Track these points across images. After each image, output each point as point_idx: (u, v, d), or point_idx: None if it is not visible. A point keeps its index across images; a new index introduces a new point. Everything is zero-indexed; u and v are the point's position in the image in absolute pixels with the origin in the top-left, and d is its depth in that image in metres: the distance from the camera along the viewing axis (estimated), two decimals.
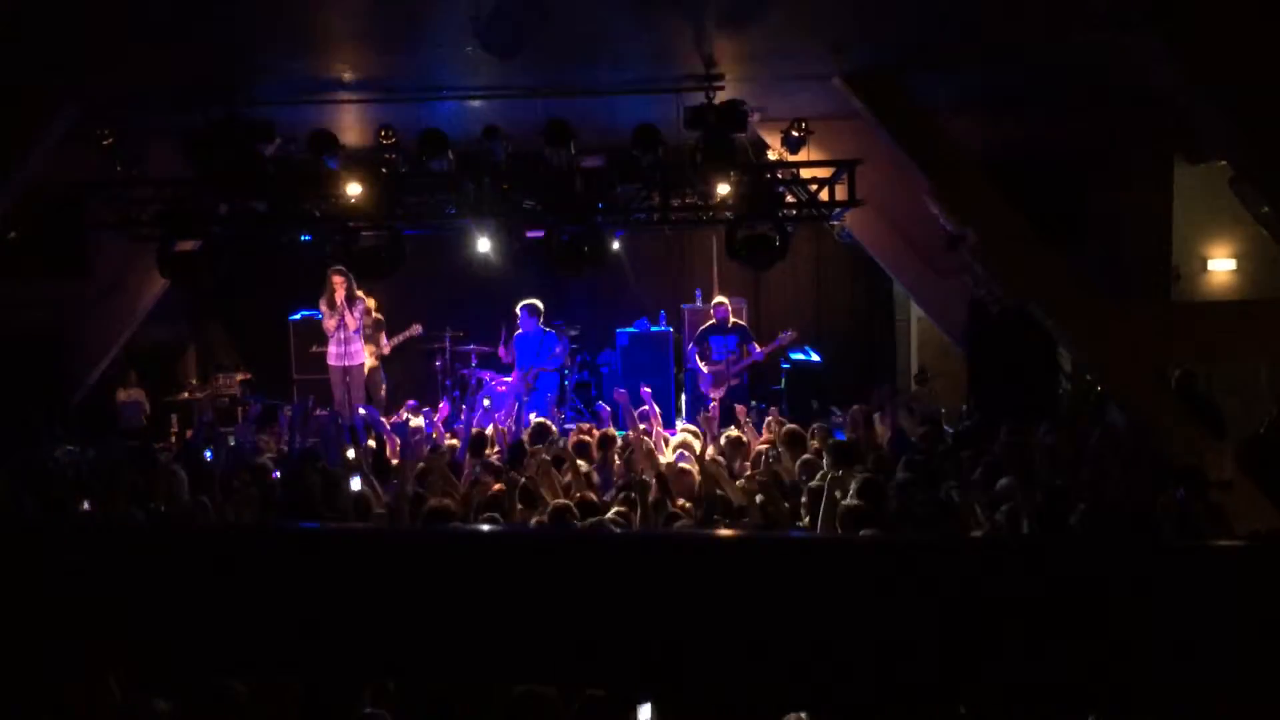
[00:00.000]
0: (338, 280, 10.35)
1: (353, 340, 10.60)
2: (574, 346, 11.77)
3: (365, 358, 10.83)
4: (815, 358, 11.80)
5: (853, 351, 12.85)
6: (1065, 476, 6.09)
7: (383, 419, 9.39)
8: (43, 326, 9.84)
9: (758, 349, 10.86)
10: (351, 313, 10.46)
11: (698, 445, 7.52)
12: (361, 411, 9.53)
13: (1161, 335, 7.72)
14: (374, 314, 11.10)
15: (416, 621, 1.80)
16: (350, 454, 6.96)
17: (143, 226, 8.64)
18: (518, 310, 10.84)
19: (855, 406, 8.12)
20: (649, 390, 9.21)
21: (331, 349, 10.65)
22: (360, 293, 10.61)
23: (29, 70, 7.27)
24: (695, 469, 6.61)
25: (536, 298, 11.02)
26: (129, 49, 6.96)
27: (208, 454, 7.47)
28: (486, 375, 11.51)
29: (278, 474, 6.82)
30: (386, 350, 11.10)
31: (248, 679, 3.20)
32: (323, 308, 10.62)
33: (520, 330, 10.93)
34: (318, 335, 11.55)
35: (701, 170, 8.30)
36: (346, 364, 10.60)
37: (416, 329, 11.24)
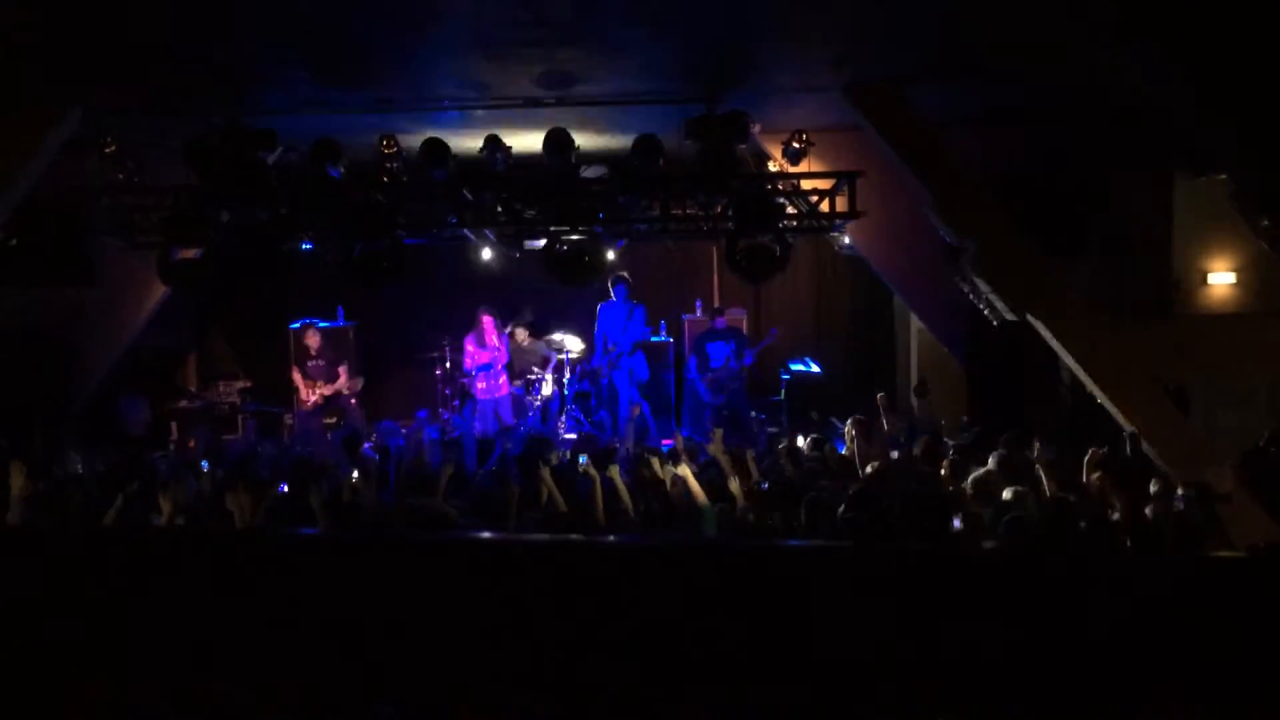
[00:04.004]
0: (487, 320, 10.94)
1: (501, 374, 11.17)
2: (570, 357, 11.80)
3: (510, 387, 11.35)
4: (815, 368, 11.81)
5: (853, 362, 12.87)
6: (1066, 488, 6.08)
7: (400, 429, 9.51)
8: (45, 333, 9.84)
9: (748, 353, 10.96)
10: (501, 348, 11.05)
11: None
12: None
13: (1161, 348, 7.73)
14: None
15: (418, 626, 1.80)
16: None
17: (144, 234, 8.64)
18: (610, 284, 11.13)
19: (853, 418, 8.12)
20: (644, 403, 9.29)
21: (480, 384, 11.10)
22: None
23: (33, 79, 7.29)
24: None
25: (534, 302, 11.27)
26: (133, 59, 6.98)
27: (204, 464, 7.49)
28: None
29: (284, 488, 6.84)
30: (329, 391, 11.27)
31: (248, 680, 3.20)
32: (470, 346, 11.06)
33: (609, 301, 11.19)
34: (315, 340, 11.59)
35: (702, 181, 8.30)
36: (496, 395, 11.12)
37: (357, 383, 11.52)
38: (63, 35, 6.37)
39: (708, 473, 6.67)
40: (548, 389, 11.54)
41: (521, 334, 11.75)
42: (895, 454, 7.57)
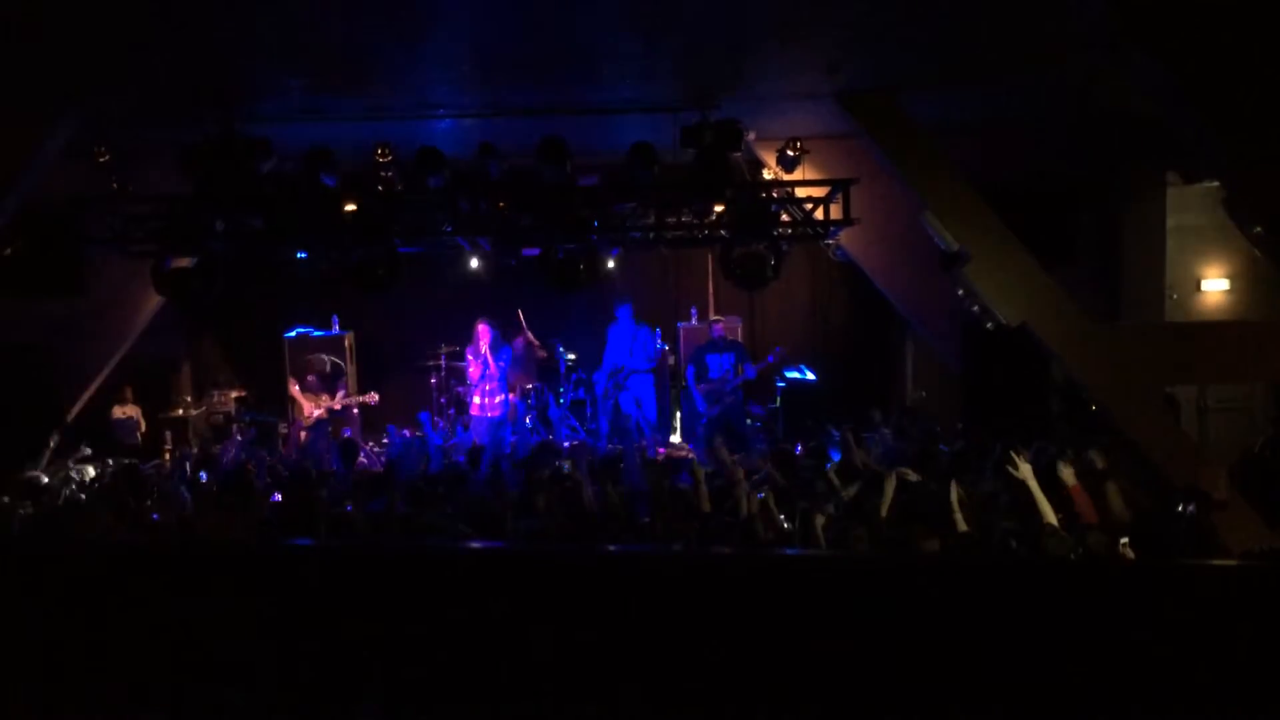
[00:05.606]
0: (482, 329, 10.49)
1: (496, 391, 10.55)
2: (567, 364, 11.77)
3: (505, 409, 10.61)
4: (811, 376, 11.80)
5: (848, 370, 12.86)
6: (1060, 494, 6.08)
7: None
8: (38, 343, 9.81)
9: (751, 368, 10.91)
10: (494, 362, 10.46)
11: None
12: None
13: (1155, 355, 7.74)
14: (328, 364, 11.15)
15: (412, 637, 1.80)
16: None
17: (138, 243, 8.63)
18: (615, 307, 11.04)
19: (848, 426, 8.13)
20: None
21: (474, 399, 10.66)
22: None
23: (28, 86, 7.28)
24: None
25: (530, 310, 11.22)
26: (129, 65, 6.98)
27: (202, 475, 7.51)
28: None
29: (278, 497, 6.85)
30: (337, 405, 10.92)
31: (240, 690, 3.19)
32: (470, 358, 10.74)
33: (615, 323, 11.04)
34: (312, 352, 11.57)
35: (697, 189, 8.32)
36: (490, 414, 10.55)
37: (373, 397, 11.01)
38: (57, 41, 6.36)
39: (713, 483, 6.66)
40: (541, 403, 11.50)
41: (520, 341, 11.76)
42: (892, 461, 7.57)
